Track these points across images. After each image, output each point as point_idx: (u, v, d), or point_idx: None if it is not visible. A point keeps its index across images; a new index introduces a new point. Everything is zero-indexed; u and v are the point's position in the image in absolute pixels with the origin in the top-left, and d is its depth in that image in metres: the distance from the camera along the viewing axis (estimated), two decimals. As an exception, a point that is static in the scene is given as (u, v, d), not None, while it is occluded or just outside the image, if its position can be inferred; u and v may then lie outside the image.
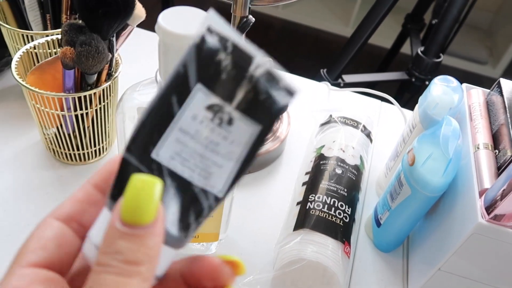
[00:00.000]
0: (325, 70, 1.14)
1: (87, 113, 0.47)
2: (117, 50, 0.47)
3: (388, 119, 0.67)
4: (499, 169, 0.39)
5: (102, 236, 0.17)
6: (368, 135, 0.54)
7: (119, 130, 0.37)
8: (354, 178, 0.47)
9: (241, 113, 0.17)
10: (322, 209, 0.42)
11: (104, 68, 0.45)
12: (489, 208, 0.35)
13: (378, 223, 0.47)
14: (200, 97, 0.17)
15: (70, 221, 0.19)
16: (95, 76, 0.44)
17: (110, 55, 0.44)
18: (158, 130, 0.17)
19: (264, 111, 0.17)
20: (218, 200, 0.18)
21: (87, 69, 0.42)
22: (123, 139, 0.38)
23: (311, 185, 0.45)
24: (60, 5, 0.53)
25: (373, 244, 0.49)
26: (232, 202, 0.42)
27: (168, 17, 0.29)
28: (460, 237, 0.37)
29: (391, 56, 1.48)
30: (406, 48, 1.39)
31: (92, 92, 0.45)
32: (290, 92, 0.18)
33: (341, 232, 0.41)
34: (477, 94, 0.48)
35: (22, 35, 0.50)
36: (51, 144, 0.50)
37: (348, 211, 0.43)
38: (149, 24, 0.46)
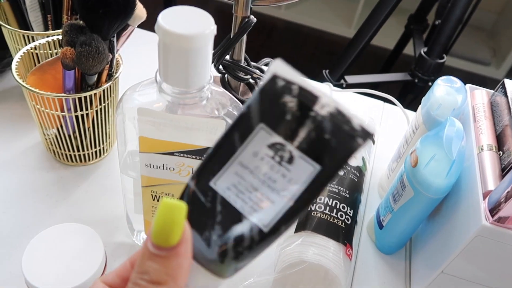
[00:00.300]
0: (327, 71, 1.14)
1: (87, 114, 0.46)
2: (117, 50, 0.46)
3: (390, 120, 0.66)
4: (503, 170, 0.39)
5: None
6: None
7: (119, 130, 0.37)
8: (356, 179, 0.46)
9: (302, 152, 0.18)
10: (324, 211, 0.42)
11: (105, 69, 0.45)
12: (493, 210, 0.34)
13: (380, 225, 0.47)
14: (263, 136, 0.18)
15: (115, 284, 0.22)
16: (96, 76, 0.44)
17: (111, 56, 0.44)
18: (220, 163, 0.18)
19: (327, 151, 0.17)
20: (262, 234, 0.18)
21: (87, 70, 0.42)
22: (123, 140, 0.38)
23: (313, 187, 0.45)
24: (61, 6, 0.53)
25: (375, 246, 0.49)
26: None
27: (168, 17, 0.29)
28: (464, 240, 0.37)
29: (394, 57, 1.48)
30: (409, 49, 1.38)
31: (92, 92, 0.44)
32: (363, 133, 0.17)
33: (343, 234, 0.41)
34: (481, 95, 0.47)
35: (23, 35, 0.50)
36: (52, 145, 0.50)
37: (350, 213, 0.43)
38: (151, 24, 0.45)
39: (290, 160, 0.18)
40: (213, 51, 0.50)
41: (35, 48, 0.49)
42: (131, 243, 0.45)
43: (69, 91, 0.44)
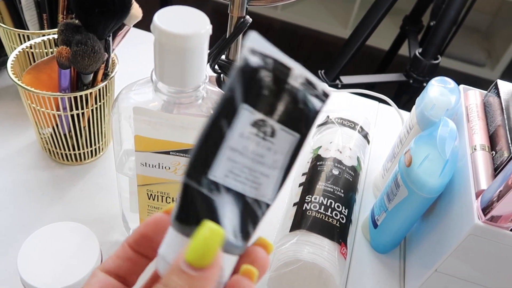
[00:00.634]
0: (322, 71, 1.14)
1: (83, 113, 0.46)
2: (113, 50, 0.46)
3: (385, 120, 0.67)
4: (496, 170, 0.39)
5: (169, 255, 0.19)
6: (365, 136, 0.53)
7: (114, 130, 0.37)
8: (351, 179, 0.47)
9: (281, 124, 0.19)
10: (319, 210, 0.42)
11: (100, 68, 0.45)
12: (486, 209, 0.35)
13: (375, 224, 0.47)
14: (246, 116, 0.18)
15: (110, 273, 0.22)
16: (91, 75, 0.44)
17: (106, 55, 0.44)
18: (212, 153, 0.18)
19: (302, 119, 0.19)
20: (268, 206, 0.19)
21: (83, 69, 0.42)
22: (118, 139, 0.38)
23: (308, 186, 0.45)
24: (57, 5, 0.52)
25: (370, 245, 0.49)
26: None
27: (164, 17, 0.29)
28: (457, 239, 0.37)
29: (389, 58, 1.48)
30: (404, 50, 1.39)
31: (88, 92, 0.44)
32: (324, 96, 0.19)
33: (338, 233, 0.41)
34: (474, 96, 0.48)
35: (19, 34, 0.50)
36: (47, 144, 0.50)
37: (344, 212, 0.43)
38: (147, 24, 0.46)
39: (273, 133, 0.19)
40: (209, 51, 0.51)
41: (31, 47, 0.49)
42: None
43: (64, 90, 0.44)
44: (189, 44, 0.29)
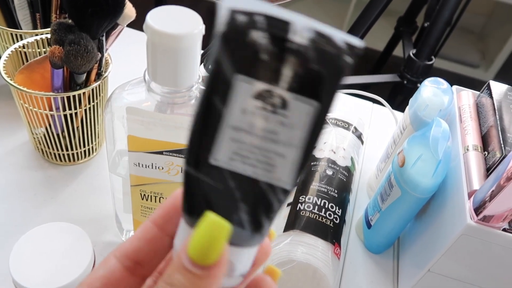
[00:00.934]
0: (317, 72, 1.14)
1: (76, 113, 0.46)
2: (107, 49, 0.46)
3: (379, 121, 0.67)
4: (488, 170, 0.39)
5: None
6: (359, 136, 0.54)
7: (107, 129, 0.37)
8: (344, 179, 0.47)
9: (293, 92, 0.15)
10: (313, 211, 0.42)
11: (94, 68, 0.44)
12: (478, 209, 0.35)
13: (368, 225, 0.47)
14: (244, 88, 0.15)
15: (126, 259, 0.20)
16: (84, 75, 0.44)
17: (99, 55, 0.44)
18: (210, 135, 0.16)
19: (319, 83, 0.15)
20: (286, 192, 0.17)
21: (76, 69, 0.41)
22: (111, 139, 0.38)
23: (302, 186, 0.45)
24: (50, 4, 0.52)
25: (364, 245, 0.49)
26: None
27: (157, 16, 0.29)
28: (449, 238, 0.37)
29: (384, 59, 1.49)
30: (399, 51, 1.39)
31: (81, 91, 0.44)
32: (348, 49, 0.15)
33: (331, 233, 0.41)
34: (467, 96, 0.48)
35: (11, 34, 0.50)
36: (40, 144, 0.50)
37: (338, 212, 0.43)
38: (141, 24, 0.45)
39: (284, 105, 0.15)
40: (202, 51, 0.51)
41: (23, 47, 0.49)
42: (120, 242, 0.45)
43: (57, 90, 0.44)
44: (182, 44, 0.29)
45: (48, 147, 0.49)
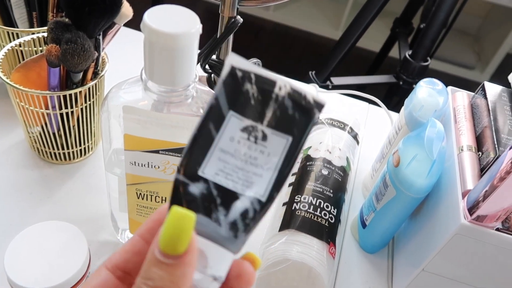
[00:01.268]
0: (313, 72, 1.15)
1: (72, 112, 0.46)
2: (103, 48, 0.46)
3: (375, 121, 0.67)
4: (482, 171, 0.40)
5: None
6: (355, 136, 0.54)
7: (103, 128, 0.37)
8: (340, 179, 0.47)
9: (272, 129, 0.20)
10: (308, 210, 0.42)
11: (90, 67, 0.44)
12: (472, 209, 0.35)
13: (363, 224, 0.48)
14: (234, 122, 0.20)
15: (116, 269, 0.22)
16: (81, 74, 0.44)
17: (96, 54, 0.44)
18: (202, 153, 0.20)
19: (293, 123, 0.20)
20: (261, 203, 0.20)
21: (73, 67, 0.41)
22: (108, 137, 0.38)
23: (297, 186, 0.46)
24: (47, 3, 0.52)
25: (359, 245, 0.50)
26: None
27: (154, 15, 0.29)
28: (443, 238, 0.37)
29: (380, 60, 1.49)
30: (395, 52, 1.40)
31: (77, 90, 0.44)
32: (318, 104, 0.20)
33: (327, 233, 0.42)
34: (462, 97, 0.48)
35: (8, 32, 0.50)
36: (36, 143, 0.50)
37: (333, 212, 0.43)
38: (138, 23, 0.46)
39: (264, 137, 0.20)
40: (199, 51, 0.51)
41: (20, 45, 0.49)
42: (116, 241, 0.45)
43: (54, 89, 0.44)
44: (179, 43, 0.29)
45: (44, 146, 0.49)
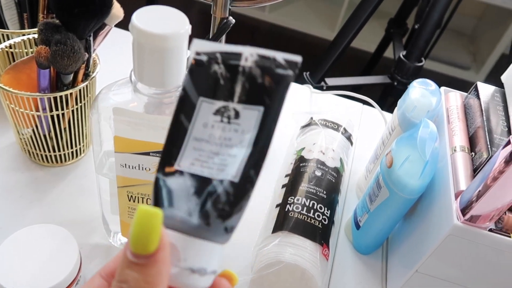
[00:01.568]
0: (308, 73, 1.15)
1: (63, 114, 0.46)
2: (94, 50, 0.46)
3: (369, 122, 0.67)
4: (475, 171, 0.39)
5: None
6: (349, 137, 0.54)
7: (94, 130, 0.37)
8: (333, 180, 0.47)
9: (243, 104, 0.19)
10: (301, 212, 0.42)
11: (81, 68, 0.44)
12: (465, 209, 0.35)
13: (357, 226, 0.47)
14: (206, 107, 0.20)
15: (110, 278, 0.21)
16: (71, 76, 0.43)
17: (87, 55, 0.43)
18: (176, 146, 0.20)
19: (263, 92, 0.19)
20: (234, 184, 0.19)
21: (63, 69, 0.41)
22: (98, 140, 0.37)
23: (291, 188, 0.45)
24: (37, 4, 0.52)
25: (353, 246, 0.49)
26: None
27: (142, 16, 0.29)
28: (437, 239, 0.37)
29: (375, 60, 1.50)
30: (390, 52, 1.40)
31: (68, 92, 0.44)
32: (291, 63, 0.19)
33: (320, 234, 0.41)
34: (455, 97, 0.48)
35: (-2, 34, 0.49)
36: (27, 145, 0.49)
37: (327, 213, 0.43)
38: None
39: (237, 115, 0.19)
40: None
41: (10, 47, 0.48)
42: (107, 244, 0.45)
43: (44, 91, 0.44)
44: (168, 44, 0.29)
45: (35, 148, 0.49)
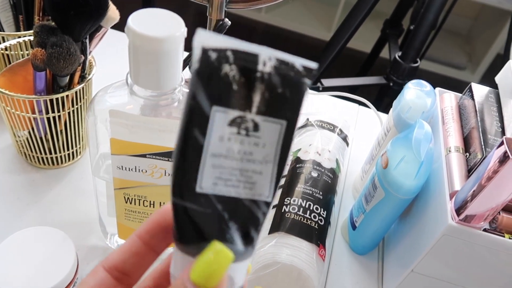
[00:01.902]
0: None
1: (59, 116, 0.46)
2: (90, 52, 0.46)
3: (365, 123, 0.67)
4: (470, 171, 0.40)
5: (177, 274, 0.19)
6: (345, 138, 0.54)
7: (90, 132, 0.37)
8: (330, 181, 0.47)
9: (263, 115, 0.17)
10: (298, 212, 0.42)
11: (77, 70, 0.44)
12: (460, 209, 0.35)
13: (353, 226, 0.48)
14: (220, 117, 0.17)
15: (113, 270, 0.21)
16: (67, 78, 0.44)
17: (83, 57, 0.43)
18: (194, 166, 0.17)
19: (284, 104, 0.17)
20: (268, 204, 0.18)
21: (59, 71, 0.41)
22: (94, 142, 0.37)
23: (287, 189, 0.45)
24: (33, 6, 0.52)
25: (349, 246, 0.50)
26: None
27: (138, 19, 0.29)
28: (432, 239, 0.37)
29: (371, 61, 1.50)
30: (386, 53, 1.41)
31: (64, 94, 0.44)
32: (306, 71, 0.17)
33: (316, 235, 0.41)
34: (449, 98, 0.49)
35: (-6, 36, 0.49)
36: (23, 147, 0.49)
37: (323, 214, 0.43)
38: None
39: (256, 127, 0.17)
40: (188, 54, 0.50)
41: (6, 49, 0.48)
42: (104, 246, 0.45)
43: (40, 93, 0.44)
44: (163, 47, 0.29)
45: (31, 151, 0.49)
